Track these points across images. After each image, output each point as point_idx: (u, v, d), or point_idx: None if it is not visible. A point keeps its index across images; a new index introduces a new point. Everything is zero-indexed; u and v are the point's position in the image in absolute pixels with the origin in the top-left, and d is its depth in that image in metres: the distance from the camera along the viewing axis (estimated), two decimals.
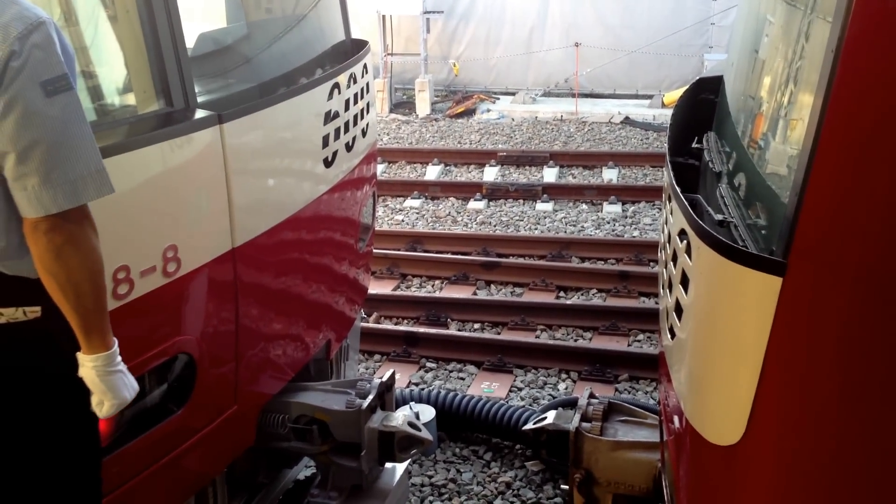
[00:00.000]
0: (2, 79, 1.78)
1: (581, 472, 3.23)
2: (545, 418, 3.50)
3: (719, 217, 2.12)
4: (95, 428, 2.13)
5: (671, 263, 2.36)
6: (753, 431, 1.77)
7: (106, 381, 1.99)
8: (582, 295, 6.94)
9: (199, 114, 2.67)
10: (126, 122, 2.60)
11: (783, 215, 1.73)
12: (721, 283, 1.91)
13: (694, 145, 2.81)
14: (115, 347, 2.01)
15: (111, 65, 2.72)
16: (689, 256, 2.11)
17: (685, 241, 2.16)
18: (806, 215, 1.64)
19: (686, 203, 2.17)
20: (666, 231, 2.60)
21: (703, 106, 3.19)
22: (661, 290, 2.64)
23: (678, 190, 2.31)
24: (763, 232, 1.92)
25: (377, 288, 6.89)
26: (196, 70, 2.82)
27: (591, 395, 3.46)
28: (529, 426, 3.62)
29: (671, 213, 2.48)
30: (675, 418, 2.32)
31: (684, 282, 2.19)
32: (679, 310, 2.25)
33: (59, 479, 2.09)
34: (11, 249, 1.91)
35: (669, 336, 2.39)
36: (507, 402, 5.16)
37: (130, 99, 2.68)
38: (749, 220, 2.04)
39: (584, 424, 3.27)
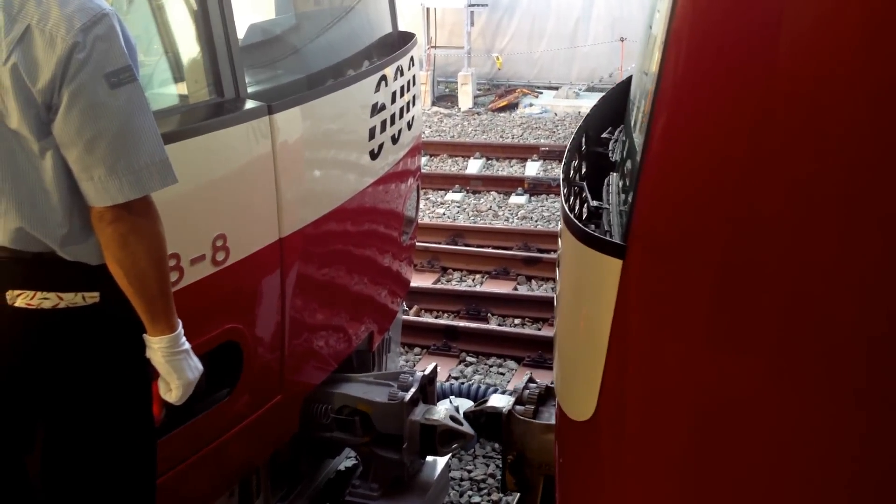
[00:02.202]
0: (66, 71, 1.80)
1: (513, 453, 3.25)
2: (486, 401, 3.51)
3: (595, 203, 2.19)
4: (150, 411, 2.16)
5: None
6: (602, 407, 1.85)
7: (171, 361, 2.04)
8: None
9: (250, 104, 2.68)
10: (178, 111, 2.63)
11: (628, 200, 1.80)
12: (575, 266, 1.99)
13: (604, 135, 2.79)
14: (180, 329, 2.06)
15: (164, 54, 2.75)
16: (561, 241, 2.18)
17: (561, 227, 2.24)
18: (641, 198, 1.70)
19: (562, 189, 2.24)
20: None
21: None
22: None
23: (560, 177, 2.36)
24: (623, 218, 1.98)
25: (417, 281, 6.89)
26: (246, 60, 2.84)
27: (531, 380, 3.46)
28: (470, 408, 3.63)
29: None
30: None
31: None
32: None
33: (117, 462, 2.12)
34: (74, 235, 1.94)
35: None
36: None
37: (182, 88, 2.71)
38: (621, 206, 2.10)
39: (518, 407, 3.27)
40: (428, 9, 14.63)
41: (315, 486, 3.68)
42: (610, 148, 2.67)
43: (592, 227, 2.08)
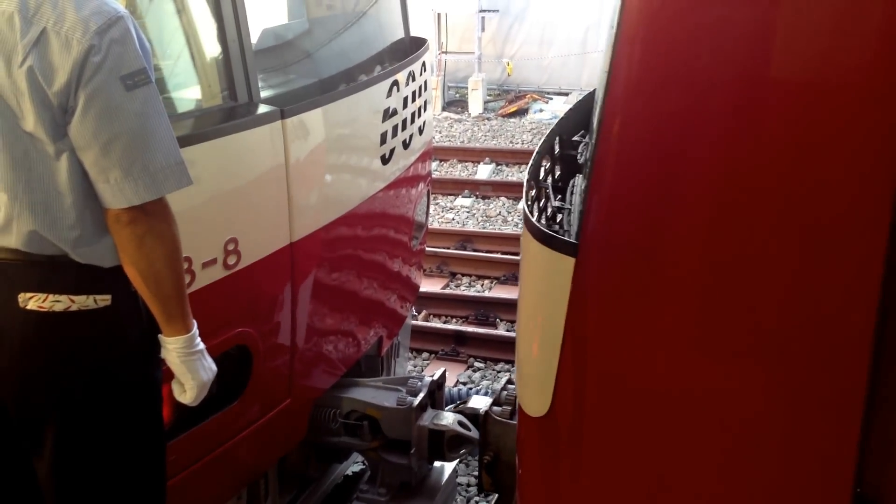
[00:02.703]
0: (82, 73, 1.81)
1: (490, 454, 3.25)
2: (467, 401, 3.52)
3: (557, 204, 2.21)
4: (161, 414, 2.16)
5: None
6: (557, 403, 1.87)
7: (187, 362, 2.05)
8: None
9: (263, 108, 2.69)
10: (191, 115, 2.64)
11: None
12: (533, 264, 2.01)
13: (575, 138, 2.80)
14: (195, 330, 2.07)
15: (177, 59, 2.76)
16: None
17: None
18: (591, 196, 1.72)
19: (525, 189, 2.27)
20: None
21: None
22: None
23: (526, 178, 2.39)
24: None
25: (426, 286, 6.88)
26: (259, 65, 2.84)
27: (509, 381, 3.46)
28: (449, 409, 3.64)
29: None
30: None
31: None
32: None
33: (127, 464, 2.13)
34: (86, 237, 1.95)
35: None
36: None
37: (196, 93, 2.72)
38: (581, 207, 2.10)
39: (495, 408, 3.27)
40: (439, 14, 14.64)
41: (323, 491, 3.67)
42: (579, 151, 2.69)
43: (557, 227, 2.09)
